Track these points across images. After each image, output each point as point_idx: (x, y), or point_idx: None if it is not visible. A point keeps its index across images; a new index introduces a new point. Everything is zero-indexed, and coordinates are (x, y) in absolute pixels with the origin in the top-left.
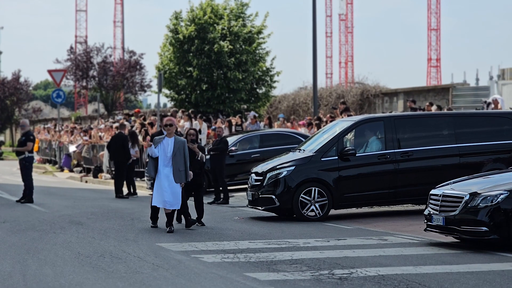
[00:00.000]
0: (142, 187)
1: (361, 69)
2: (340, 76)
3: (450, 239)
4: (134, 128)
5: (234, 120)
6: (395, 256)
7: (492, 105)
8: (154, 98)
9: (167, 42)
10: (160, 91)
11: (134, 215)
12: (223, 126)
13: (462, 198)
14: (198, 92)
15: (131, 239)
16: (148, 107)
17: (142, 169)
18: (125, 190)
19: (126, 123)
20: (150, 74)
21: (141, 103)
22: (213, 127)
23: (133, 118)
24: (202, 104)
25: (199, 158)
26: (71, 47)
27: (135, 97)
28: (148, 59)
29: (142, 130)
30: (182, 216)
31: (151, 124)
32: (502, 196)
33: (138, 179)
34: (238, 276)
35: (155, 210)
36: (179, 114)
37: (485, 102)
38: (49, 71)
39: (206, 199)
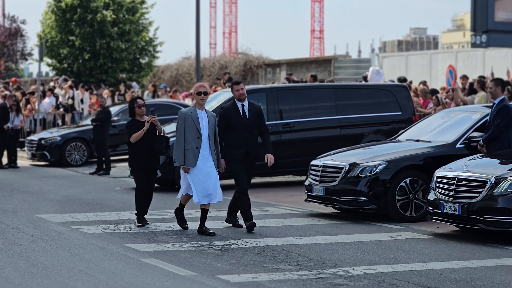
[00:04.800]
0: (22, 157)
1: (244, 39)
2: (224, 47)
3: (330, 209)
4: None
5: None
6: (275, 227)
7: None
8: (35, 66)
9: (49, 10)
10: (41, 59)
11: (14, 186)
12: (105, 96)
13: (342, 168)
14: (80, 61)
15: (10, 210)
16: (30, 76)
17: (22, 139)
18: (4, 160)
19: (6, 92)
20: (32, 42)
21: (22, 72)
22: (95, 92)
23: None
24: (85, 74)
25: (162, 134)
26: None
27: (16, 66)
28: (30, 27)
29: (23, 99)
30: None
31: (32, 94)
32: (380, 167)
33: (18, 149)
34: (119, 247)
35: (181, 209)
36: (62, 83)
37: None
38: None
39: (89, 170)
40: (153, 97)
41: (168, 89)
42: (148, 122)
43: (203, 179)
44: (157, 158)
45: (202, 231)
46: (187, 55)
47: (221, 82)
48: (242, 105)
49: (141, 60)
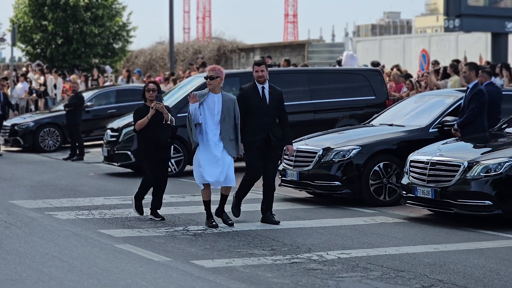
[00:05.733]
0: None
1: (218, 24)
2: (198, 31)
3: (304, 194)
4: None
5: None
6: (249, 212)
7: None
8: (8, 51)
9: None
10: (14, 44)
11: None
12: (78, 81)
13: (316, 153)
14: (53, 46)
15: None
16: (3, 61)
17: None
18: None
19: None
20: (4, 27)
21: None
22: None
23: None
24: (58, 59)
25: (169, 122)
26: None
27: None
28: (2, 12)
29: None
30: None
31: (5, 79)
32: (354, 151)
33: None
34: (93, 233)
35: (207, 191)
36: (36, 68)
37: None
38: None
39: (63, 155)
40: (128, 82)
41: (139, 74)
42: (152, 108)
43: (211, 163)
44: (166, 148)
45: (230, 222)
46: (160, 40)
47: (194, 67)
48: (263, 87)
49: (114, 45)
